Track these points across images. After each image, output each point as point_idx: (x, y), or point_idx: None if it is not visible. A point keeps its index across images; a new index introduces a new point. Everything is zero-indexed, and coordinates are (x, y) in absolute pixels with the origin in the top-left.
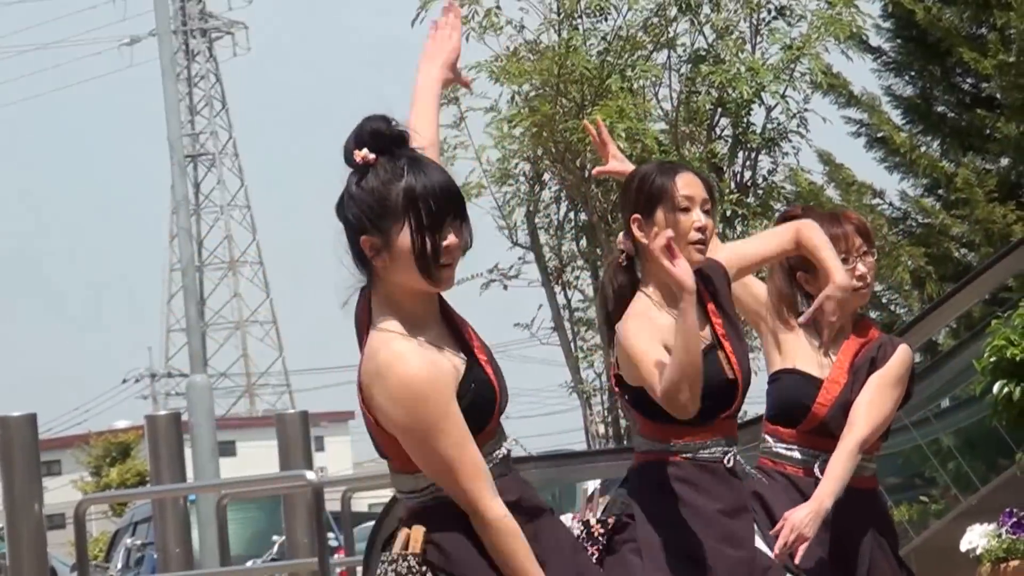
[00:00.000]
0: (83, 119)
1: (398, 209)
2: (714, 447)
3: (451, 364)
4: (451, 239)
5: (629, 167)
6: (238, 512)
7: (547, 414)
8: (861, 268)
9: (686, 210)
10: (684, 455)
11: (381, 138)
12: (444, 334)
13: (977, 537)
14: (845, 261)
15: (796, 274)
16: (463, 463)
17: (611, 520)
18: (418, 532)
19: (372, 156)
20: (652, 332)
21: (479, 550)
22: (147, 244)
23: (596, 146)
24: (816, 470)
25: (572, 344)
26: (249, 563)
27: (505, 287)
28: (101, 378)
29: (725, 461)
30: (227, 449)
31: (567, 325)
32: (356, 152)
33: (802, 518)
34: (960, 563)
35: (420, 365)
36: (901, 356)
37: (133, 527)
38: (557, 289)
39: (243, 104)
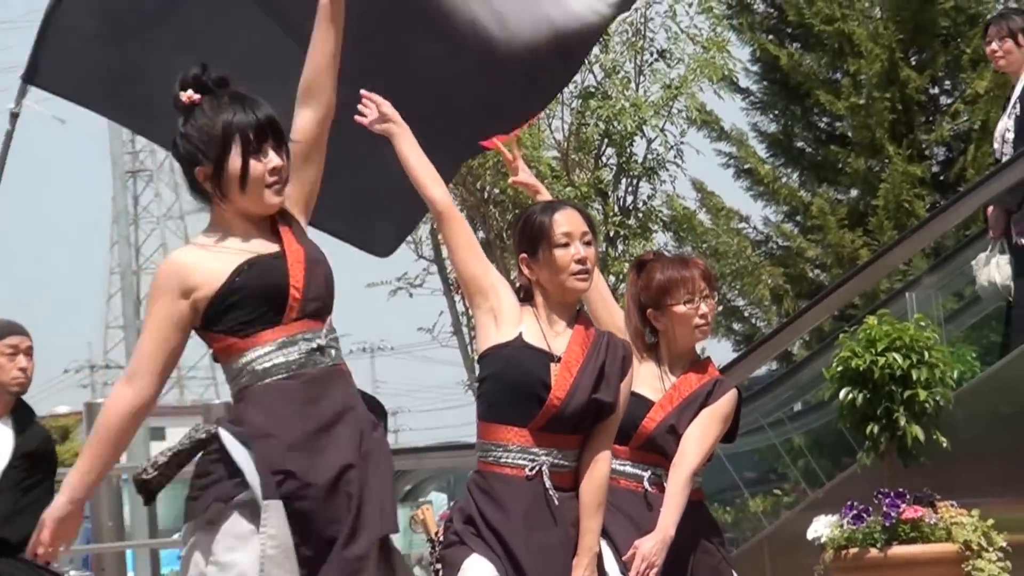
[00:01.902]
0: (36, 135)
1: (223, 139)
2: (519, 455)
3: (219, 263)
4: (274, 161)
5: (535, 180)
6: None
7: (446, 408)
8: (704, 308)
9: (565, 245)
10: (487, 461)
11: (200, 81)
12: (260, 245)
13: (822, 527)
14: (691, 302)
15: (647, 311)
16: (140, 344)
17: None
18: None
19: (197, 96)
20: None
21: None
22: (90, 249)
23: (506, 163)
24: (646, 483)
25: (469, 347)
26: (175, 535)
27: (411, 295)
28: (45, 368)
29: (527, 471)
30: (157, 434)
31: (465, 330)
32: (181, 94)
33: (651, 548)
34: (807, 550)
35: (168, 260)
36: (729, 397)
37: None
38: (457, 298)
39: None
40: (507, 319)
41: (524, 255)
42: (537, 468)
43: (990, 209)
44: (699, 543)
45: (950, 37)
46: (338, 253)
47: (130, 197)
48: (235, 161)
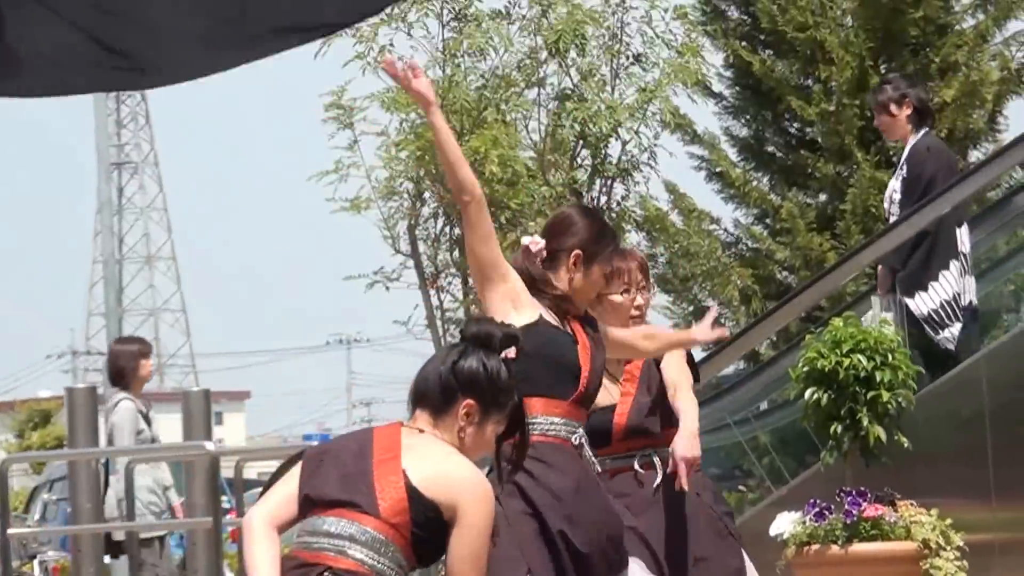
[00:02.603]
0: (23, 131)
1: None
2: (563, 426)
3: None
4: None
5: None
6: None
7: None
8: (639, 300)
9: (626, 291)
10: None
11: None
12: None
13: (785, 523)
14: (627, 292)
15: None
16: None
17: None
18: None
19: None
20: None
21: None
22: (74, 239)
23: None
24: (636, 464)
25: (442, 340)
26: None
27: (387, 288)
28: (28, 353)
29: (573, 440)
30: None
31: (439, 324)
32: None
33: (684, 446)
34: (770, 546)
35: None
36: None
37: (50, 484)
38: (432, 292)
39: (165, 120)
40: (525, 302)
41: (579, 254)
42: (579, 439)
43: (880, 268)
44: (702, 504)
45: (919, 46)
46: (319, 248)
47: (114, 188)
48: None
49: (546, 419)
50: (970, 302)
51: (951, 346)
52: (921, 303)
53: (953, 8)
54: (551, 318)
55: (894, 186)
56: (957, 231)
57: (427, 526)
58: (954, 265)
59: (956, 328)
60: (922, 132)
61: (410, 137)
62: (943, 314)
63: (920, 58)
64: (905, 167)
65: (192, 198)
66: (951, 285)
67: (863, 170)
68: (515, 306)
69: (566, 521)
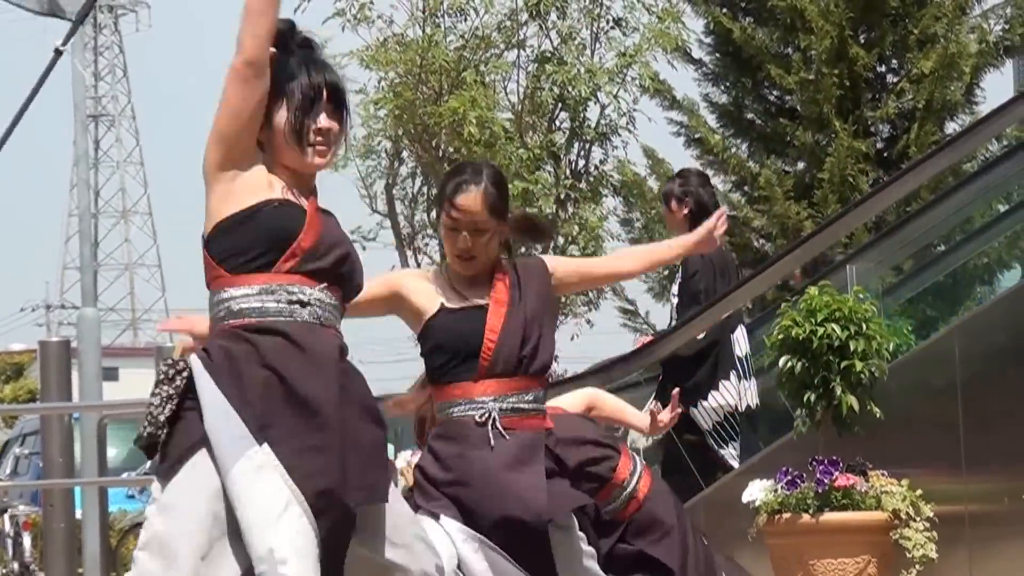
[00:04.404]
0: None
1: (281, 91)
2: (466, 406)
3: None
4: (324, 122)
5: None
6: (118, 430)
7: (397, 361)
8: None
9: (453, 229)
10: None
11: (280, 36)
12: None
13: (757, 491)
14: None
15: None
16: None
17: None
18: (181, 343)
19: (273, 51)
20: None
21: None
22: (49, 191)
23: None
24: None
25: None
26: (124, 475)
27: (364, 247)
28: (2, 306)
29: (477, 418)
30: (111, 375)
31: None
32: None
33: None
34: (741, 513)
35: None
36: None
37: (22, 438)
38: (409, 253)
39: (142, 73)
40: (425, 302)
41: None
42: (486, 414)
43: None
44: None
45: (898, 17)
46: None
47: (91, 141)
48: (282, 115)
49: (450, 404)
50: (747, 407)
51: (734, 463)
52: (705, 416)
53: None
54: (454, 298)
55: (674, 290)
56: (732, 337)
57: None
58: (733, 375)
59: (736, 445)
60: None
61: (388, 96)
62: (725, 429)
63: (899, 29)
64: (681, 271)
65: (169, 152)
66: (732, 396)
67: (841, 139)
68: (417, 317)
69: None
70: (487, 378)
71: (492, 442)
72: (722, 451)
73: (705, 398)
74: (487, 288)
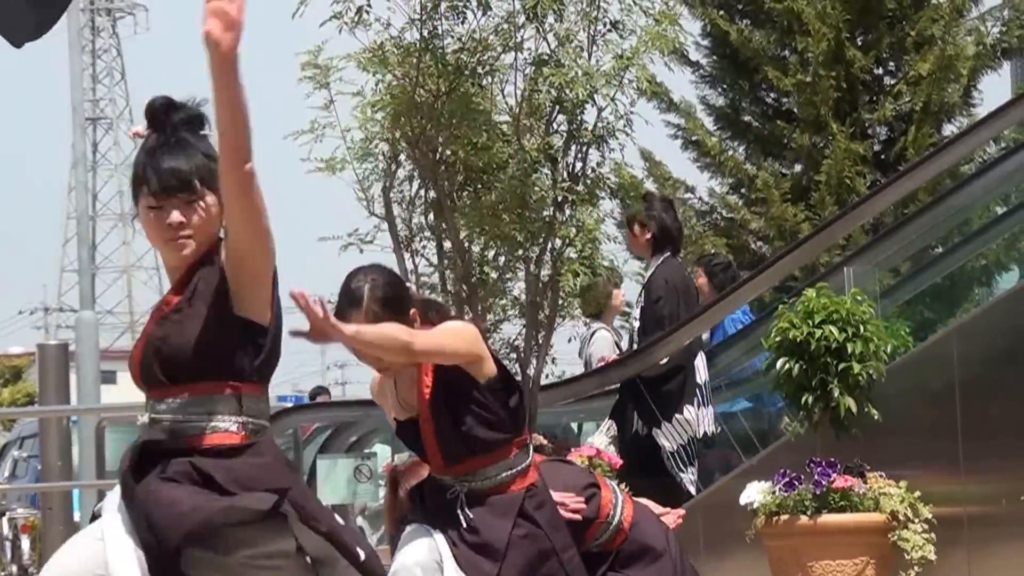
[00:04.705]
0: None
1: (134, 184)
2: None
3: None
4: (174, 216)
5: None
6: (115, 433)
7: None
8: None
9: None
10: None
11: (148, 112)
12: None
13: (755, 493)
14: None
15: None
16: None
17: None
18: None
19: (143, 131)
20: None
21: None
22: (47, 194)
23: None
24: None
25: None
26: None
27: (361, 251)
28: (1, 308)
29: (448, 496)
30: (109, 378)
31: (413, 287)
32: (133, 128)
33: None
34: (739, 515)
35: None
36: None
37: (21, 441)
38: (406, 256)
39: (140, 76)
40: (387, 411)
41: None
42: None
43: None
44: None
45: (895, 19)
46: (293, 208)
47: (89, 144)
48: (141, 210)
49: None
50: (704, 433)
51: (692, 488)
52: (669, 438)
53: None
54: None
55: (635, 314)
56: (694, 363)
57: None
58: (695, 400)
59: (694, 471)
60: (663, 258)
61: (386, 98)
62: (685, 454)
63: (896, 31)
64: (644, 296)
65: None
66: (693, 422)
67: (838, 141)
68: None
69: None
70: (444, 471)
71: (463, 523)
72: (681, 475)
73: (670, 420)
74: (416, 387)
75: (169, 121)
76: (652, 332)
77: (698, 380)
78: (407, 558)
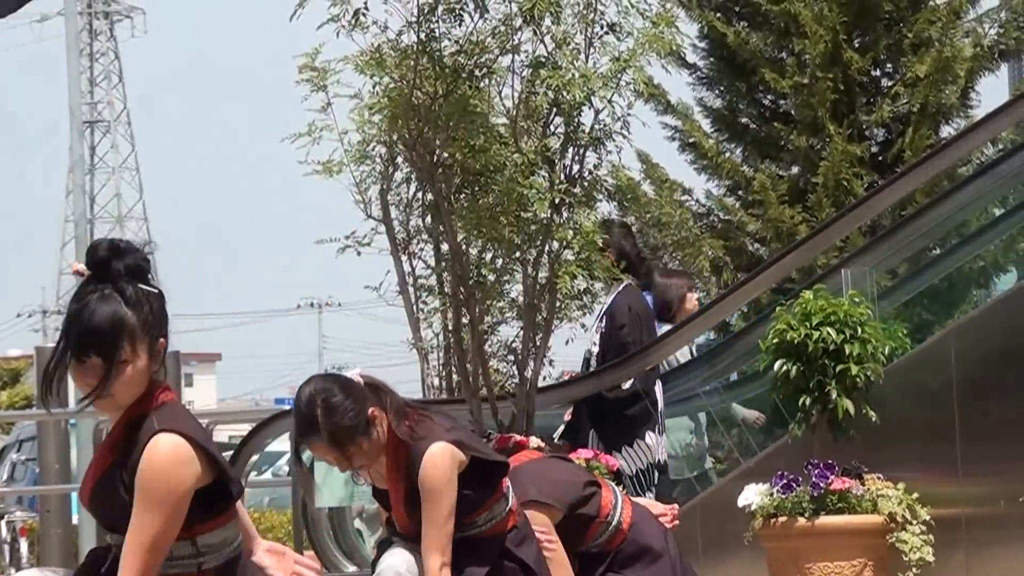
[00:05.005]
0: None
1: (62, 336)
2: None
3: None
4: (79, 372)
5: None
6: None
7: (389, 365)
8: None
9: None
10: None
11: (90, 258)
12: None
13: (752, 495)
14: None
15: None
16: None
17: None
18: None
19: (85, 270)
20: None
21: None
22: (46, 197)
23: None
24: None
25: (414, 306)
26: None
27: (359, 253)
28: None
29: None
30: None
31: (411, 290)
32: (74, 264)
33: None
34: (737, 517)
35: None
36: (431, 464)
37: (19, 444)
38: (404, 258)
39: (137, 79)
40: None
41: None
42: None
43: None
44: None
45: (892, 21)
46: (291, 210)
47: (87, 147)
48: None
49: None
50: (657, 460)
51: None
52: (629, 462)
53: None
54: None
55: (594, 339)
56: (655, 389)
57: None
58: (657, 426)
59: (652, 496)
60: (623, 285)
61: (383, 101)
62: (644, 479)
63: (893, 33)
64: (605, 321)
65: (165, 158)
66: (653, 446)
67: (836, 143)
68: None
69: None
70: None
71: None
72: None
73: (631, 445)
74: (390, 486)
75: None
76: (610, 357)
77: (660, 406)
78: (393, 558)
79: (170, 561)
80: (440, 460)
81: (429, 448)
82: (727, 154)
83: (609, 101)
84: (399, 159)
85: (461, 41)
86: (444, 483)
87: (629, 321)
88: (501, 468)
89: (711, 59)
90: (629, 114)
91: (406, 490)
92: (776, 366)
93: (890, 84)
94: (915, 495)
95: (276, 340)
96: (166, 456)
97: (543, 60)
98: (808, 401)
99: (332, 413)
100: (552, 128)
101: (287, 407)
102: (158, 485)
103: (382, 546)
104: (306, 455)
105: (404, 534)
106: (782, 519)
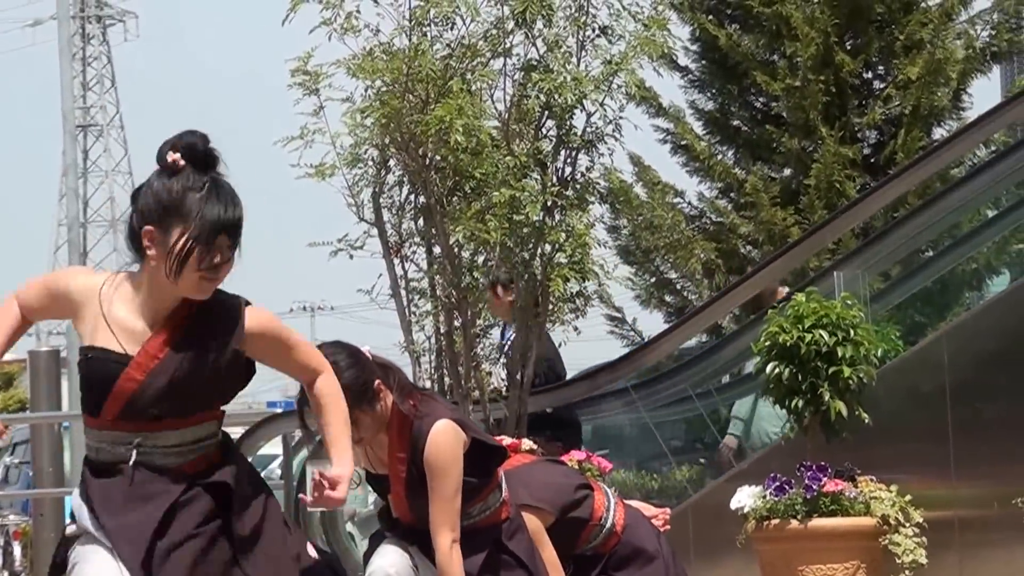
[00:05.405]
0: None
1: (185, 216)
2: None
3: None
4: (219, 258)
5: None
6: None
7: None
8: None
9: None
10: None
11: (194, 151)
12: (142, 329)
13: (745, 497)
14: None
15: None
16: None
17: None
18: None
19: (182, 162)
20: None
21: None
22: (38, 201)
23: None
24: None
25: (406, 310)
26: None
27: (351, 256)
28: None
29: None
30: None
31: (403, 293)
32: (170, 153)
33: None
34: (730, 519)
35: (80, 273)
36: (437, 439)
37: (13, 447)
38: (396, 261)
39: (130, 83)
40: None
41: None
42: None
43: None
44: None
45: (884, 23)
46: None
47: (79, 151)
48: (181, 242)
49: None
50: None
51: None
52: None
53: None
54: None
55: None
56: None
57: None
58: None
59: None
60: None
61: (375, 104)
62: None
63: (885, 35)
64: (532, 365)
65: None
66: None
67: (827, 145)
68: None
69: None
70: (416, 524)
71: None
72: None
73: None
74: (390, 462)
75: (211, 164)
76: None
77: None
78: (383, 559)
79: None
80: (445, 436)
81: (434, 425)
82: (719, 156)
83: (601, 104)
84: (391, 162)
85: (453, 44)
86: (451, 458)
87: (554, 355)
88: (498, 455)
89: (703, 62)
90: (621, 117)
91: (408, 467)
92: (768, 368)
93: (882, 86)
94: (908, 497)
95: None
96: None
97: (535, 63)
98: (800, 403)
99: (337, 375)
100: (544, 131)
101: (279, 410)
102: None
103: (373, 539)
104: (299, 458)
105: (399, 520)
106: (775, 521)
